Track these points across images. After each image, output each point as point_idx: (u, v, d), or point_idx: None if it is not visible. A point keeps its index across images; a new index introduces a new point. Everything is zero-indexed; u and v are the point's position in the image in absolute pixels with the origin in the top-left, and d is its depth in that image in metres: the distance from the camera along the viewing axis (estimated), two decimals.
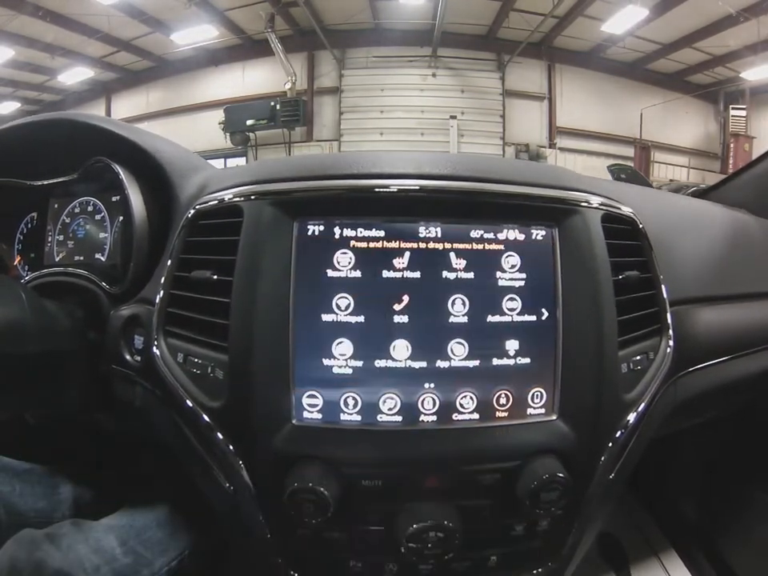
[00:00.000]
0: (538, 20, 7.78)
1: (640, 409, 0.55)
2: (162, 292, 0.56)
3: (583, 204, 0.55)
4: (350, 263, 0.50)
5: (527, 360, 0.51)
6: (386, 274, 0.50)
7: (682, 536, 0.99)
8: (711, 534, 0.97)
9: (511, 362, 0.51)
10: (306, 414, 0.49)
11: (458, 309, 0.50)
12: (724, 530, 0.97)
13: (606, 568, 0.93)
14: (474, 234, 0.51)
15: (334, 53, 8.95)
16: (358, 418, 0.49)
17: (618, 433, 0.54)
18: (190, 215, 0.56)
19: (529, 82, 9.38)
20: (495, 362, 0.51)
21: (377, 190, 0.51)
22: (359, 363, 0.50)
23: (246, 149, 9.18)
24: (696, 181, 9.11)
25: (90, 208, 0.72)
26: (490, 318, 0.51)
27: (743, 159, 8.39)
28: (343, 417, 0.49)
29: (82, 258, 0.71)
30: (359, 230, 0.50)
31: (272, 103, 8.72)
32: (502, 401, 0.51)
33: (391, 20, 8.37)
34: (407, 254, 0.50)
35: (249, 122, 8.80)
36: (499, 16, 8.15)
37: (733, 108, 9.38)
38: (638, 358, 0.56)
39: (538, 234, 0.52)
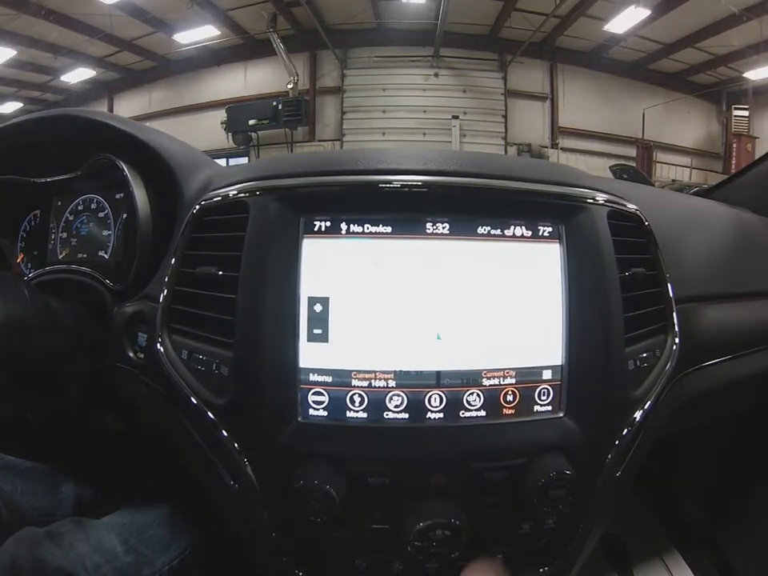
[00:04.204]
0: (540, 20, 7.78)
1: (646, 406, 0.55)
2: (165, 289, 0.55)
3: (589, 201, 0.54)
4: (356, 259, 0.50)
5: (534, 357, 0.51)
6: (393, 269, 0.50)
7: (685, 536, 0.99)
8: (714, 535, 0.97)
9: (518, 358, 0.51)
10: (311, 412, 0.49)
11: (465, 304, 0.50)
12: (727, 531, 0.97)
13: (609, 568, 0.93)
14: (481, 229, 0.51)
15: (336, 53, 8.96)
16: (365, 415, 0.49)
17: (625, 430, 0.54)
18: (194, 211, 0.55)
19: (531, 81, 9.39)
20: (502, 358, 0.51)
21: (383, 185, 0.51)
22: (366, 360, 0.49)
23: (248, 149, 9.20)
24: (698, 181, 9.10)
25: (93, 205, 0.72)
26: (497, 314, 0.50)
27: (746, 159, 8.38)
28: (349, 414, 0.49)
29: (85, 255, 0.71)
30: (366, 225, 0.50)
31: (274, 103, 8.73)
32: (509, 398, 0.50)
33: (393, 20, 8.38)
34: (414, 250, 0.50)
35: (251, 122, 8.82)
36: (501, 16, 8.16)
37: (735, 108, 9.37)
38: (645, 355, 0.56)
39: (545, 230, 0.52)
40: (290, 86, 8.75)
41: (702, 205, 0.91)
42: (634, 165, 8.67)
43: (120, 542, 0.60)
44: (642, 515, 1.05)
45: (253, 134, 9.08)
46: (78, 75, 9.55)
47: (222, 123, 9.08)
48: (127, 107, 10.17)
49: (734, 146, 9.33)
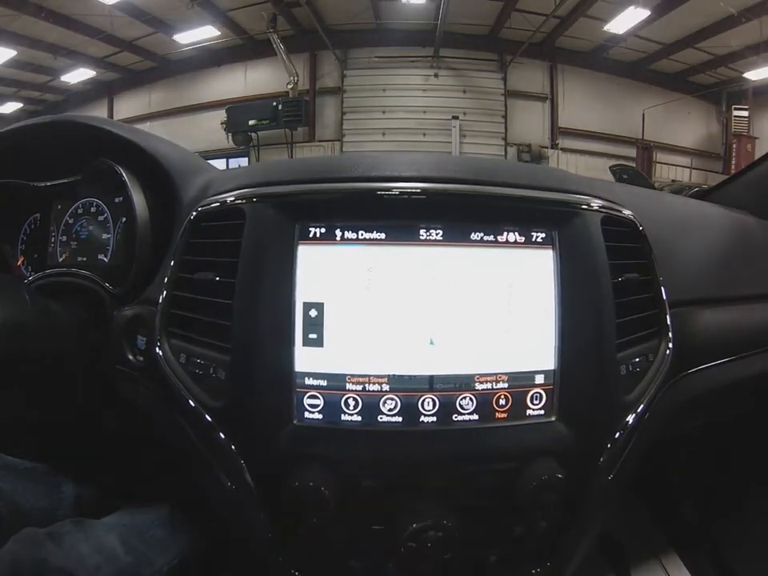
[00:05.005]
0: (540, 20, 7.77)
1: (639, 410, 0.56)
2: (164, 293, 0.56)
3: (583, 207, 0.55)
4: (351, 265, 0.50)
5: (526, 361, 0.52)
6: (386, 276, 0.50)
7: (683, 537, 0.99)
8: (712, 536, 0.97)
9: (511, 363, 0.51)
10: (307, 415, 0.50)
11: (458, 310, 0.51)
12: (725, 532, 0.97)
13: (606, 569, 0.93)
14: (475, 236, 0.51)
15: (336, 53, 8.94)
16: (359, 418, 0.50)
17: (617, 434, 0.54)
18: (192, 217, 0.56)
19: (531, 82, 9.37)
20: (495, 362, 0.51)
21: (378, 192, 0.51)
22: (360, 364, 0.50)
23: (248, 149, 9.18)
24: (698, 181, 9.08)
25: (93, 209, 0.73)
26: (490, 319, 0.51)
27: (746, 160, 8.36)
28: (344, 417, 0.50)
29: (85, 258, 0.72)
30: (360, 232, 0.50)
31: (274, 103, 8.72)
32: (502, 402, 0.51)
33: (393, 20, 8.36)
34: (408, 256, 0.50)
35: (251, 123, 8.80)
36: (501, 16, 8.14)
37: (735, 108, 9.34)
38: (638, 359, 0.57)
39: (538, 236, 0.53)
40: (289, 87, 8.74)
41: (699, 208, 0.91)
42: (634, 165, 8.65)
43: (120, 543, 0.60)
44: (639, 517, 1.06)
45: (253, 135, 9.07)
46: (77, 75, 9.53)
47: (222, 123, 9.07)
48: (127, 107, 10.16)
49: (734, 146, 9.30)
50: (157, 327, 0.56)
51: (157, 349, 0.55)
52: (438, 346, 0.50)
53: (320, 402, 0.50)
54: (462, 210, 0.53)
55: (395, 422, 0.50)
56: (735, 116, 9.32)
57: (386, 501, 0.50)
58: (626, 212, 0.59)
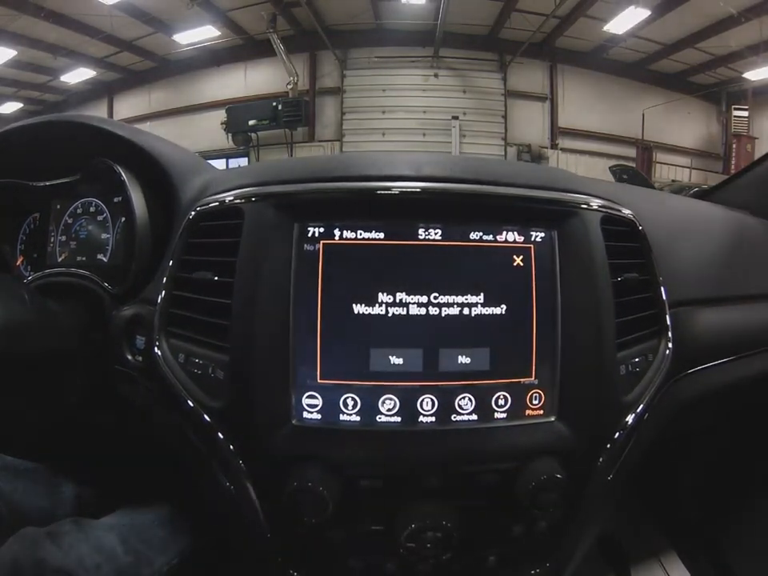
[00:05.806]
0: (540, 20, 7.77)
1: (638, 410, 0.56)
2: (163, 292, 0.56)
3: (583, 206, 0.55)
4: (349, 265, 0.50)
5: (526, 361, 0.52)
6: (385, 275, 0.50)
7: (682, 537, 0.99)
8: (712, 536, 0.97)
9: (510, 362, 0.51)
10: (305, 415, 0.50)
11: (457, 309, 0.51)
12: (725, 532, 0.97)
13: (606, 569, 0.93)
14: (474, 235, 0.51)
15: (336, 53, 8.95)
16: (357, 418, 0.50)
17: (617, 434, 0.54)
18: (191, 216, 0.56)
19: (531, 82, 9.37)
20: (494, 362, 0.51)
21: (377, 192, 0.51)
22: (358, 364, 0.50)
23: (248, 149, 9.19)
24: (698, 181, 9.08)
25: (92, 209, 0.73)
26: (489, 319, 0.51)
27: (746, 160, 8.37)
28: (342, 417, 0.50)
29: (84, 258, 0.72)
30: (359, 231, 0.50)
31: (274, 103, 8.73)
32: (501, 402, 0.51)
33: (393, 20, 8.37)
34: (406, 256, 0.50)
35: (251, 123, 8.81)
36: (501, 16, 8.15)
37: (735, 108, 9.34)
38: (637, 359, 0.57)
39: (538, 235, 0.53)
40: (289, 87, 8.74)
41: (699, 207, 0.91)
42: (634, 165, 8.65)
43: (120, 542, 0.60)
44: (639, 516, 1.06)
45: (253, 135, 9.08)
46: (77, 75, 9.54)
47: (222, 124, 9.08)
48: (127, 107, 10.16)
49: (734, 146, 9.31)
50: (156, 327, 0.56)
51: (156, 349, 0.55)
52: (437, 345, 0.50)
53: (318, 401, 0.50)
54: (461, 209, 0.53)
55: (394, 422, 0.50)
56: (735, 116, 9.32)
57: (385, 501, 0.50)
58: (626, 211, 0.59)
